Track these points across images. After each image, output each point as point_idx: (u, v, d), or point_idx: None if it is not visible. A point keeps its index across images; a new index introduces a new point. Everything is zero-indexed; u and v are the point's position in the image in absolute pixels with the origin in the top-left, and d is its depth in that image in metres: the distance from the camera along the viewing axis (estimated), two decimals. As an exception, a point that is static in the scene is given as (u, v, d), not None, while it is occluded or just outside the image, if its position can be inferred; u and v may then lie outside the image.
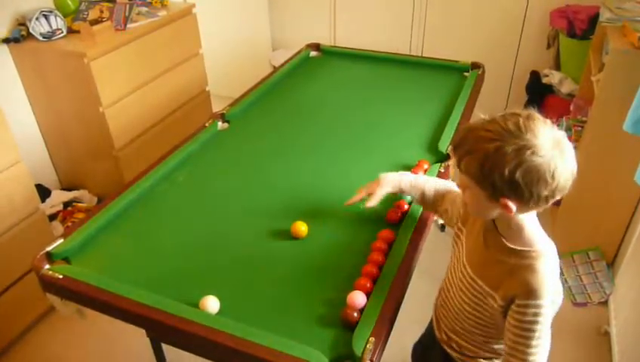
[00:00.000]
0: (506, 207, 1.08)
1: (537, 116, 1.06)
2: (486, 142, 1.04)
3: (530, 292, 1.14)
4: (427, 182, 1.56)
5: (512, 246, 1.18)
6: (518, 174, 1.01)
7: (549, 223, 1.47)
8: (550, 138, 1.03)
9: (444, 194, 1.52)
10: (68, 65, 2.65)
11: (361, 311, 1.33)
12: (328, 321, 1.34)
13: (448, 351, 1.48)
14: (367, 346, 1.22)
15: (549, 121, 1.07)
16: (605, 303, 2.49)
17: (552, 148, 1.02)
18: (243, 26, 4.34)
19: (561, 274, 2.66)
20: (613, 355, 2.19)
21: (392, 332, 1.31)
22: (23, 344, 2.41)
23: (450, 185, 1.54)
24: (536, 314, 1.15)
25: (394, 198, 1.74)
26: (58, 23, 2.74)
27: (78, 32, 2.77)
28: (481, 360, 1.41)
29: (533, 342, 1.16)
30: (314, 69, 2.85)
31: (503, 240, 1.19)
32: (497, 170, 1.03)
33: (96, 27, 2.73)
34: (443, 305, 1.46)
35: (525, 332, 1.16)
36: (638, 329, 2.03)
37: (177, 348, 1.59)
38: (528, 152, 1.00)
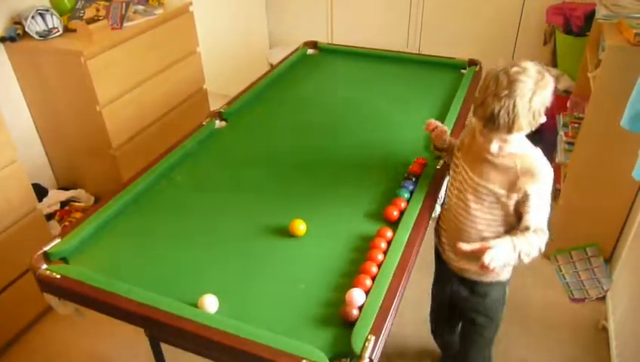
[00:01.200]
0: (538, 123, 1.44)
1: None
2: (530, 99, 1.39)
3: (539, 179, 1.48)
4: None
5: (519, 153, 1.50)
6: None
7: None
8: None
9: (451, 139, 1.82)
10: (64, 64, 2.64)
11: (360, 308, 1.33)
12: (327, 319, 1.34)
13: (464, 274, 1.73)
14: (366, 344, 1.22)
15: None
16: (603, 299, 2.50)
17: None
18: (240, 24, 4.33)
19: (559, 270, 2.67)
20: (611, 350, 2.20)
21: (391, 329, 1.31)
22: (20, 344, 2.40)
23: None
24: (545, 192, 1.50)
25: (392, 196, 1.75)
26: (54, 21, 2.73)
27: (74, 30, 2.76)
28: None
29: (543, 215, 1.51)
30: (311, 67, 2.85)
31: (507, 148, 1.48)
32: (541, 105, 1.41)
33: (92, 26, 2.73)
34: (451, 232, 1.70)
35: (539, 207, 1.50)
36: (636, 325, 2.04)
37: (176, 347, 1.59)
38: None
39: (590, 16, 2.96)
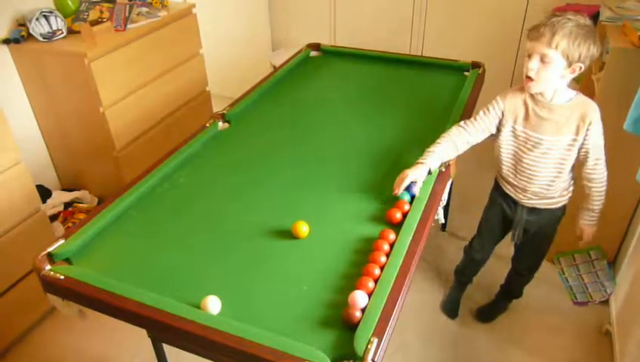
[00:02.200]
0: (575, 71, 1.66)
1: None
2: (576, 28, 1.60)
3: (595, 114, 1.75)
4: (447, 149, 1.87)
5: (571, 103, 1.75)
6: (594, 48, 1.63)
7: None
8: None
9: (467, 138, 1.90)
10: (68, 66, 2.65)
11: (363, 310, 1.33)
12: (330, 321, 1.35)
13: (534, 206, 1.99)
14: (369, 346, 1.22)
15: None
16: (606, 302, 2.49)
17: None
18: (243, 26, 4.34)
19: (562, 273, 2.66)
20: (615, 354, 2.20)
21: (394, 332, 1.31)
22: (24, 345, 2.41)
23: (460, 131, 1.91)
24: (600, 125, 1.77)
25: (395, 198, 1.74)
26: (58, 23, 2.74)
27: (78, 32, 2.77)
28: (558, 198, 1.98)
29: (602, 145, 1.81)
30: (314, 69, 2.86)
31: (558, 103, 1.75)
32: (584, 44, 1.61)
33: (96, 28, 2.73)
34: (526, 184, 1.93)
35: (600, 139, 1.80)
36: (640, 328, 2.03)
37: (179, 348, 1.59)
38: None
39: (594, 19, 2.95)
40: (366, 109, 2.41)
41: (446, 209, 2.87)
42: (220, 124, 2.27)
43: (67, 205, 2.93)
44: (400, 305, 1.36)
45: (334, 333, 1.31)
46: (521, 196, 1.99)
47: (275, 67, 3.65)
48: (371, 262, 1.48)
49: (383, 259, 1.49)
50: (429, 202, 1.73)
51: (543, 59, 1.65)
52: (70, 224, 2.80)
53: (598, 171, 1.85)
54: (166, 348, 2.02)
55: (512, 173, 1.96)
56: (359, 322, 1.29)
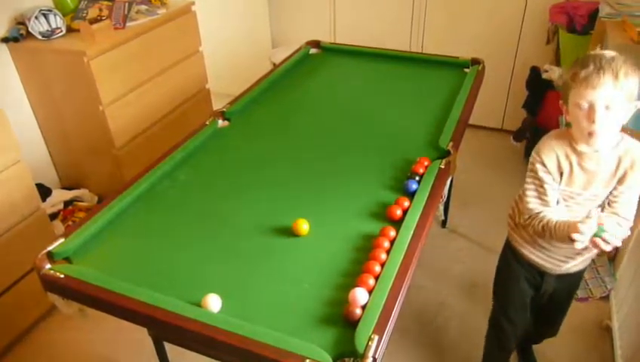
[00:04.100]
0: (631, 110, 1.46)
1: None
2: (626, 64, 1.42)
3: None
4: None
5: (617, 148, 1.52)
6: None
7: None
8: None
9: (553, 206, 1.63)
10: (67, 64, 2.64)
11: (364, 308, 1.33)
12: (330, 318, 1.35)
13: (569, 271, 1.76)
14: (370, 343, 1.22)
15: None
16: (607, 298, 2.50)
17: None
18: (243, 23, 4.33)
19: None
20: (615, 349, 2.20)
21: (394, 329, 1.31)
22: (24, 344, 2.41)
23: (548, 210, 1.62)
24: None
25: (396, 195, 1.74)
26: (57, 21, 2.74)
27: (77, 30, 2.76)
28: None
29: (634, 205, 1.61)
30: (314, 66, 2.85)
31: (606, 150, 1.52)
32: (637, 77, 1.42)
33: (95, 26, 2.73)
34: (564, 248, 1.67)
35: (633, 197, 1.58)
36: (639, 323, 2.04)
37: (179, 346, 1.59)
38: None
39: (594, 15, 2.95)
40: (366, 107, 2.41)
41: (446, 205, 2.87)
42: (220, 122, 2.27)
43: (67, 204, 2.93)
44: (400, 302, 1.36)
45: (335, 331, 1.31)
46: (555, 261, 1.74)
47: (274, 65, 3.64)
48: (372, 259, 1.48)
49: (384, 256, 1.49)
50: (429, 199, 1.72)
51: (608, 107, 1.42)
52: (70, 223, 2.80)
53: (621, 201, 1.58)
54: (167, 346, 2.02)
55: (547, 240, 1.69)
56: (360, 319, 1.29)
